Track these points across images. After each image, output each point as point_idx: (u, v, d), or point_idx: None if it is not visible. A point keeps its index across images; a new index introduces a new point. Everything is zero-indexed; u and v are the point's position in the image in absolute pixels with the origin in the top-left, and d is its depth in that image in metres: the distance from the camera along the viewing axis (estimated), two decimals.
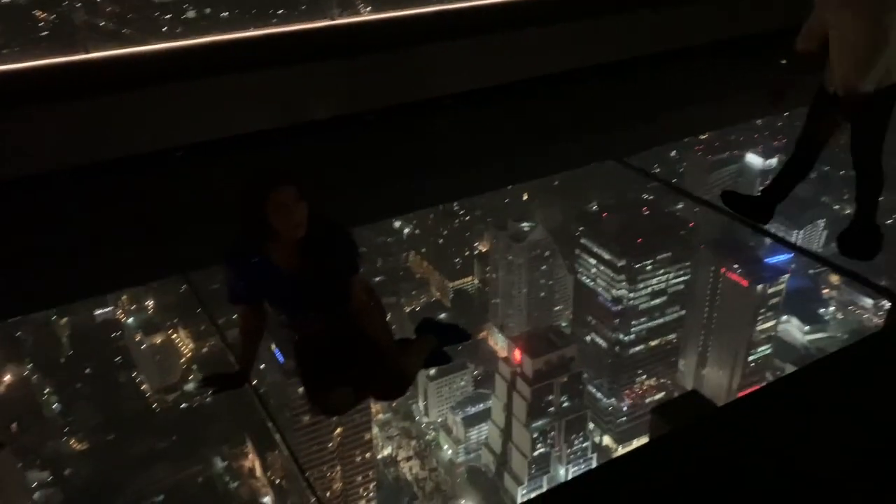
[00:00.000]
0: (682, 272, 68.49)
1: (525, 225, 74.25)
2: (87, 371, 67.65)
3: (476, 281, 79.19)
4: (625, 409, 68.33)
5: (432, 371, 61.69)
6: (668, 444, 3.01)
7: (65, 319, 71.28)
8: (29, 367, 67.38)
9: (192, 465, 63.45)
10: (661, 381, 69.38)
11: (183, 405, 69.03)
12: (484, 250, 78.49)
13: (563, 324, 73.14)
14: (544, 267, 74.09)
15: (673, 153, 79.02)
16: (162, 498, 60.70)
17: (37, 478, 61.39)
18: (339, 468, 61.16)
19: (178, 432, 65.08)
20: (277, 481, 63.69)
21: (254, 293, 3.18)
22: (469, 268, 79.04)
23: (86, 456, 63.71)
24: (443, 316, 61.87)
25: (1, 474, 52.63)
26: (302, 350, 3.40)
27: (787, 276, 67.26)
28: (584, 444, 65.61)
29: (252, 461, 65.91)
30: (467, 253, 79.36)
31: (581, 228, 71.57)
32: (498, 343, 72.79)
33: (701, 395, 3.72)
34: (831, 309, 70.17)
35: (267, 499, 64.34)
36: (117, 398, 67.19)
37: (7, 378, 65.50)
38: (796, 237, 69.32)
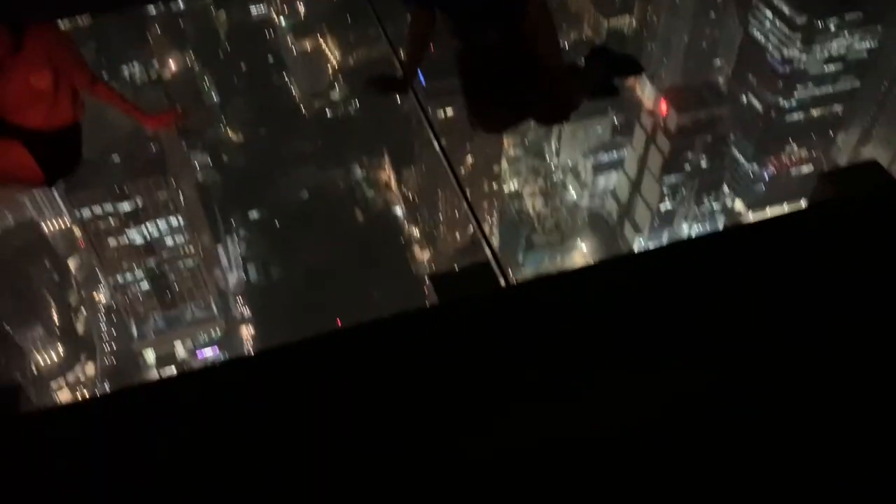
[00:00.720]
0: (868, 38, 60.85)
1: None
2: (243, 67, 70.95)
3: (634, 22, 73.81)
4: (766, 176, 65.71)
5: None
6: (833, 209, 2.71)
7: (223, 13, 73.31)
8: (191, 56, 71.23)
9: (335, 169, 68.01)
10: (814, 153, 65.36)
11: (329, 113, 72.18)
12: None
13: (721, 80, 68.36)
14: (713, 14, 67.64)
15: None
16: (306, 196, 66.31)
17: (199, 160, 67.95)
18: (467, 193, 63.83)
19: (324, 137, 68.96)
20: (410, 196, 67.67)
21: None
22: (629, 6, 73.30)
23: (241, 147, 69.32)
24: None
25: (172, 151, 58.45)
26: (467, 63, 3.27)
27: None
28: (715, 206, 64.66)
29: (388, 174, 69.76)
30: None
31: None
32: (645, 92, 69.59)
33: (881, 167, 3.23)
34: None
35: (399, 210, 69.01)
36: (269, 97, 70.93)
37: (172, 65, 69.84)
38: None
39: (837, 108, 63.75)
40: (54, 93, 3.12)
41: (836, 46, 60.70)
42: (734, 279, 2.29)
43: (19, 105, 3.11)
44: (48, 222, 63.41)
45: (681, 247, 2.87)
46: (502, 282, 2.88)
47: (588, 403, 1.73)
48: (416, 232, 68.06)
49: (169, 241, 58.17)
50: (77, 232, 61.28)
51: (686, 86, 63.38)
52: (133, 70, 63.79)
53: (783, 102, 62.57)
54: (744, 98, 64.88)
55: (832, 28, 59.65)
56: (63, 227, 63.96)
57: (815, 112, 63.51)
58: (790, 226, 2.68)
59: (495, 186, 64.10)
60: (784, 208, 64.50)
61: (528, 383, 1.77)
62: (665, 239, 64.60)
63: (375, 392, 1.81)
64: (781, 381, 1.93)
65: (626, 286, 2.19)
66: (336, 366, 1.95)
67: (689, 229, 64.53)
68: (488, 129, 3.43)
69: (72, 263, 62.99)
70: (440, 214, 63.66)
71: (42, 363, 54.78)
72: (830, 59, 61.30)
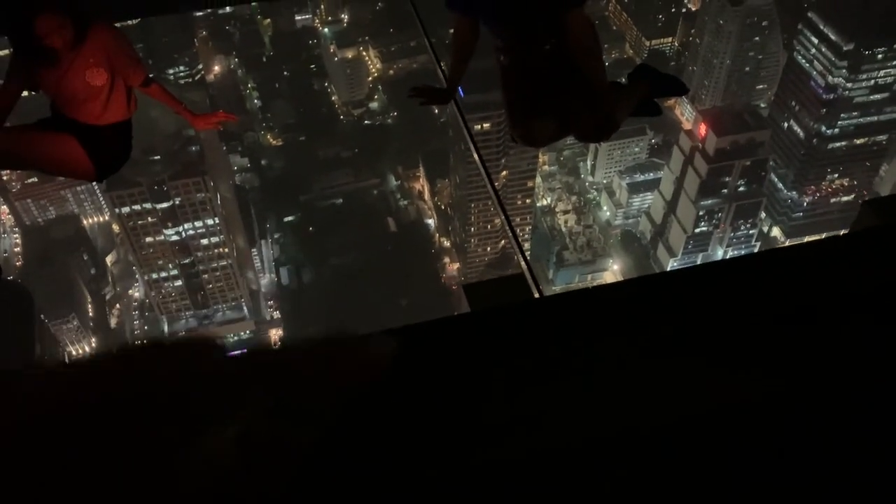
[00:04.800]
0: None
1: None
2: (285, 73, 71.94)
3: (676, 43, 73.44)
4: (805, 204, 64.66)
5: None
6: (873, 237, 2.67)
7: (268, 20, 74.51)
8: (235, 60, 72.45)
9: (370, 177, 68.52)
10: (854, 183, 64.18)
11: (367, 121, 72.82)
12: (693, 9, 71.60)
13: (762, 104, 67.61)
14: (757, 38, 66.97)
15: None
16: (341, 201, 66.85)
17: (237, 162, 68.93)
18: (504, 203, 63.71)
19: (360, 145, 69.54)
20: (443, 207, 67.87)
21: (472, 2, 3.08)
22: (672, 27, 72.98)
23: (279, 151, 70.21)
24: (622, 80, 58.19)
25: (212, 153, 59.40)
26: (510, 76, 3.30)
27: None
28: (751, 232, 63.78)
29: (422, 185, 70.06)
30: (673, 9, 72.81)
31: (812, 0, 62.88)
32: (684, 114, 69.11)
33: None
34: None
35: (431, 221, 69.22)
36: (310, 103, 71.79)
37: (216, 68, 71.08)
38: None
39: (882, 137, 62.56)
40: (110, 90, 3.22)
41: (883, 75, 59.66)
42: (769, 302, 2.28)
43: (75, 100, 3.21)
44: (88, 217, 64.79)
45: (716, 267, 2.85)
46: (536, 294, 2.90)
47: (618, 413, 1.74)
48: (447, 243, 68.16)
49: (204, 241, 58.96)
50: (116, 228, 62.49)
51: (727, 109, 62.76)
52: (178, 71, 65.04)
53: (826, 130, 61.59)
54: (785, 124, 64.03)
55: (880, 57, 58.65)
56: (102, 221, 65.30)
57: (858, 141, 62.40)
58: (830, 251, 2.66)
59: (528, 201, 63.99)
60: (823, 238, 63.32)
61: (560, 392, 1.78)
62: (699, 260, 63.83)
63: (402, 399, 1.84)
64: (812, 407, 1.92)
65: (661, 303, 2.20)
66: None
67: (723, 254, 63.68)
68: (529, 141, 3.45)
69: (109, 259, 64.20)
70: (472, 227, 63.69)
71: (76, 355, 55.76)
72: (876, 89, 60.23)
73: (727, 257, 63.72)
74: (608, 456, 1.62)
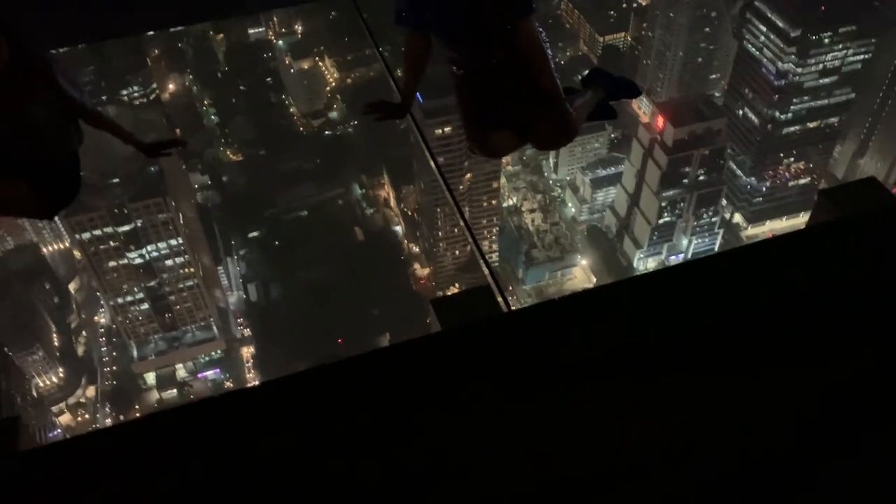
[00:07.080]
0: (862, 50, 61.12)
1: None
2: (242, 88, 71.29)
3: (629, 38, 74.31)
4: (764, 189, 65.80)
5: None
6: (834, 229, 2.73)
7: (220, 35, 73.79)
8: (190, 78, 71.60)
9: (334, 188, 68.14)
10: (811, 165, 65.49)
11: (327, 131, 72.47)
12: (644, 3, 72.54)
13: (717, 94, 68.67)
14: (707, 29, 68.08)
15: None
16: (306, 213, 66.39)
17: (198, 180, 68.07)
18: (466, 209, 63.88)
19: (322, 156, 69.16)
20: (409, 213, 67.74)
21: (421, 16, 3.05)
22: (624, 22, 73.83)
23: (240, 166, 69.53)
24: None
25: (172, 172, 58.56)
26: (465, 87, 3.29)
27: None
28: (713, 219, 64.70)
29: (387, 192, 69.87)
30: (624, 5, 73.69)
31: None
32: (641, 107, 69.90)
33: (880, 184, 3.29)
34: None
35: (398, 227, 69.06)
36: (268, 117, 71.23)
37: (171, 87, 70.15)
38: None
39: (833, 119, 63.93)
40: (52, 123, 3.12)
41: (831, 59, 60.97)
42: (734, 299, 2.29)
43: (16, 135, 3.10)
44: (48, 245, 63.44)
45: (680, 269, 2.86)
46: (503, 305, 2.87)
47: (585, 427, 1.72)
48: (415, 249, 68.06)
49: (169, 262, 58.10)
50: (77, 254, 61.28)
51: (682, 100, 63.63)
52: (132, 92, 64.06)
53: (779, 115, 62.75)
54: (740, 112, 65.12)
55: (826, 41, 59.95)
56: (63, 248, 64.00)
57: (811, 124, 63.69)
58: (793, 245, 2.68)
59: (494, 202, 64.18)
60: (784, 221, 64.56)
61: (530, 410, 1.76)
62: (664, 252, 64.59)
63: (379, 421, 1.80)
64: (785, 405, 1.92)
65: (626, 309, 2.19)
66: (340, 395, 1.94)
67: (688, 243, 64.50)
68: (488, 152, 3.44)
69: (72, 286, 62.91)
70: (439, 231, 63.67)
71: (43, 386, 54.54)
72: (825, 72, 61.53)
73: (691, 247, 64.63)
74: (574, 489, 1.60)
